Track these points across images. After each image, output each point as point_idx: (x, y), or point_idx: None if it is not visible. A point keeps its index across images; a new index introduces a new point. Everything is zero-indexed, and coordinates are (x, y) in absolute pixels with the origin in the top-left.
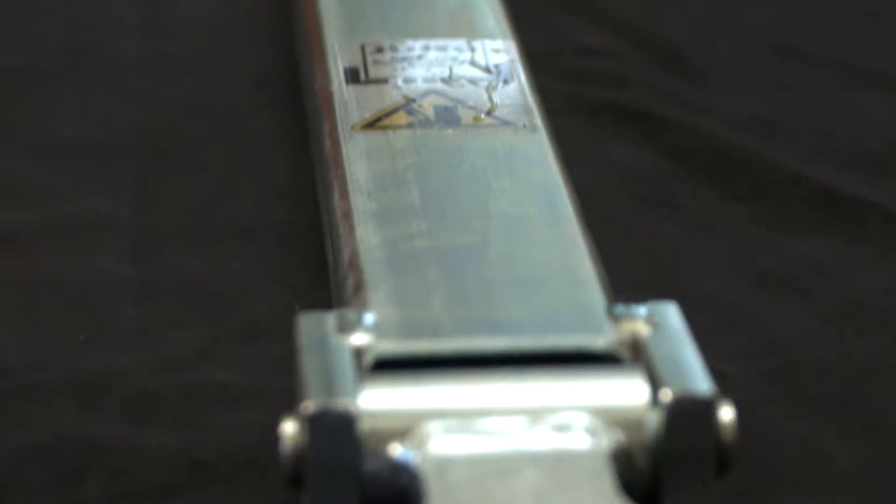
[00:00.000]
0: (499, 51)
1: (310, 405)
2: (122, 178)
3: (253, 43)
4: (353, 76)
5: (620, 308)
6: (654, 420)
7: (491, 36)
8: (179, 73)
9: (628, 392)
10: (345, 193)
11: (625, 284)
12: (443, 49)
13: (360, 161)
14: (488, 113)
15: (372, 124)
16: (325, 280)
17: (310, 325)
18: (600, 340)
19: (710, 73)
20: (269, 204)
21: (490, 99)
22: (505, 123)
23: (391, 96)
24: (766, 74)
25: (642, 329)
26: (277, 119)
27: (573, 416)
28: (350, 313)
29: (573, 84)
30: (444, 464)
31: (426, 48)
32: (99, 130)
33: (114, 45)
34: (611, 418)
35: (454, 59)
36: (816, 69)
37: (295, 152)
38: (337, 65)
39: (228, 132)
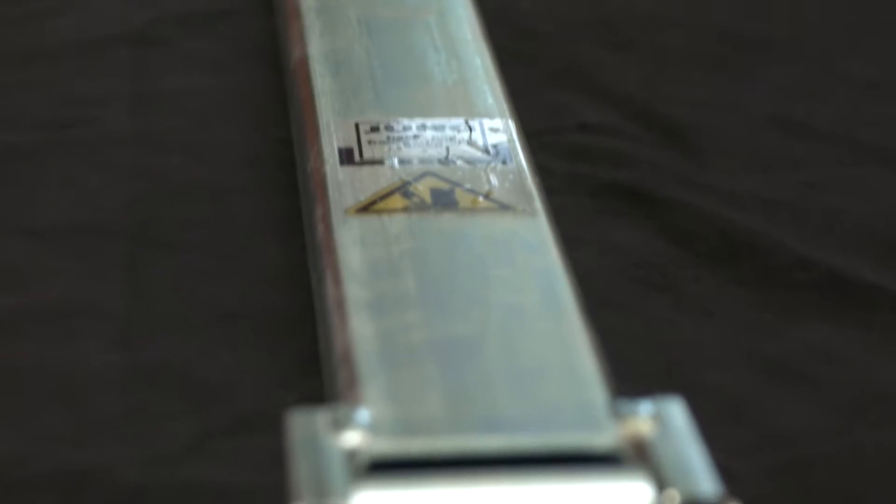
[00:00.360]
0: (497, 130)
1: None
2: (109, 261)
3: (245, 119)
4: (347, 157)
5: (623, 404)
6: None
7: (489, 114)
8: (169, 151)
9: (631, 495)
10: (338, 281)
11: (626, 373)
12: (440, 128)
13: (353, 247)
14: (486, 196)
15: (366, 208)
16: (317, 368)
17: (301, 423)
18: (602, 439)
19: (712, 149)
20: (260, 289)
21: (488, 181)
22: (503, 207)
23: (386, 178)
24: (770, 151)
25: (646, 428)
26: (270, 199)
27: None
28: (343, 410)
29: (573, 162)
30: None
31: (422, 127)
32: (85, 211)
33: (102, 121)
34: None
35: (451, 138)
36: (822, 145)
37: (288, 234)
38: (331, 144)
39: (219, 213)
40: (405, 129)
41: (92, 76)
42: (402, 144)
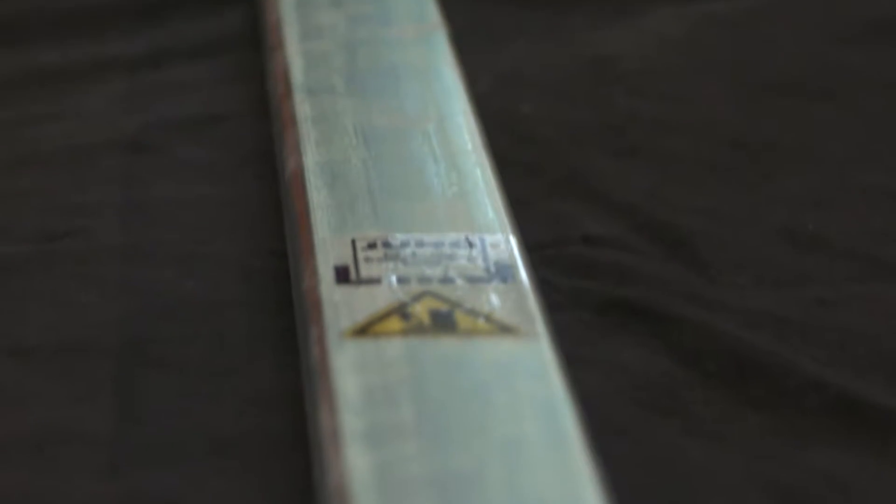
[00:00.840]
0: (498, 246)
1: None
2: (98, 382)
3: (240, 230)
4: (343, 275)
5: None
6: None
7: (490, 229)
8: (161, 264)
9: None
10: (332, 410)
11: (632, 503)
12: (439, 245)
13: (349, 374)
14: (487, 317)
15: (363, 330)
16: (311, 498)
17: None
18: None
19: (721, 263)
20: (254, 412)
21: (489, 301)
22: (504, 329)
23: (384, 298)
24: (780, 266)
25: None
26: (265, 315)
27: None
28: None
29: (576, 277)
30: None
31: (421, 244)
32: (73, 328)
33: (92, 232)
34: None
35: (451, 255)
36: (835, 260)
37: (284, 352)
38: (326, 262)
39: (213, 330)
40: (403, 245)
41: (82, 185)
42: (399, 263)
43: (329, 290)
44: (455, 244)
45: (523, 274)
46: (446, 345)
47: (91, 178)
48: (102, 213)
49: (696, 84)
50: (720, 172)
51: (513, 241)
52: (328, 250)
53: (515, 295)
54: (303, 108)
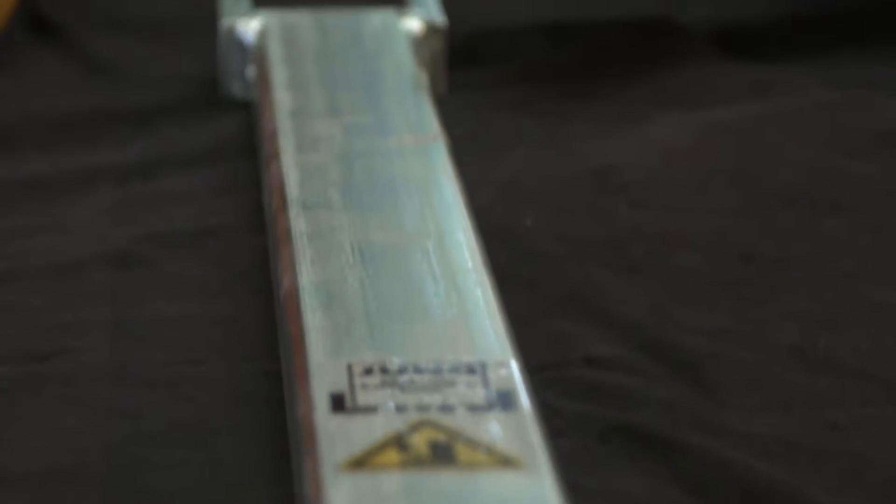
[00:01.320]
0: (499, 371)
1: None
2: None
3: (233, 350)
4: (338, 403)
5: None
6: None
7: (491, 353)
8: (150, 387)
9: None
10: None
11: None
12: (438, 371)
13: None
14: (488, 449)
15: (360, 463)
16: None
17: None
18: None
19: (728, 385)
20: None
21: (489, 431)
22: (505, 462)
23: (381, 427)
24: (790, 388)
25: None
26: (258, 442)
27: None
28: None
29: (579, 401)
30: None
31: (419, 370)
32: (59, 455)
33: (79, 352)
34: None
35: (450, 382)
36: (847, 382)
37: (276, 483)
38: (321, 389)
39: (203, 457)
40: (401, 371)
41: (70, 302)
42: (397, 389)
43: (324, 419)
44: (454, 369)
45: (525, 401)
46: (446, 479)
47: (78, 294)
48: (90, 333)
49: (700, 195)
50: (727, 288)
51: (514, 365)
52: (323, 376)
53: (517, 424)
54: (298, 223)
